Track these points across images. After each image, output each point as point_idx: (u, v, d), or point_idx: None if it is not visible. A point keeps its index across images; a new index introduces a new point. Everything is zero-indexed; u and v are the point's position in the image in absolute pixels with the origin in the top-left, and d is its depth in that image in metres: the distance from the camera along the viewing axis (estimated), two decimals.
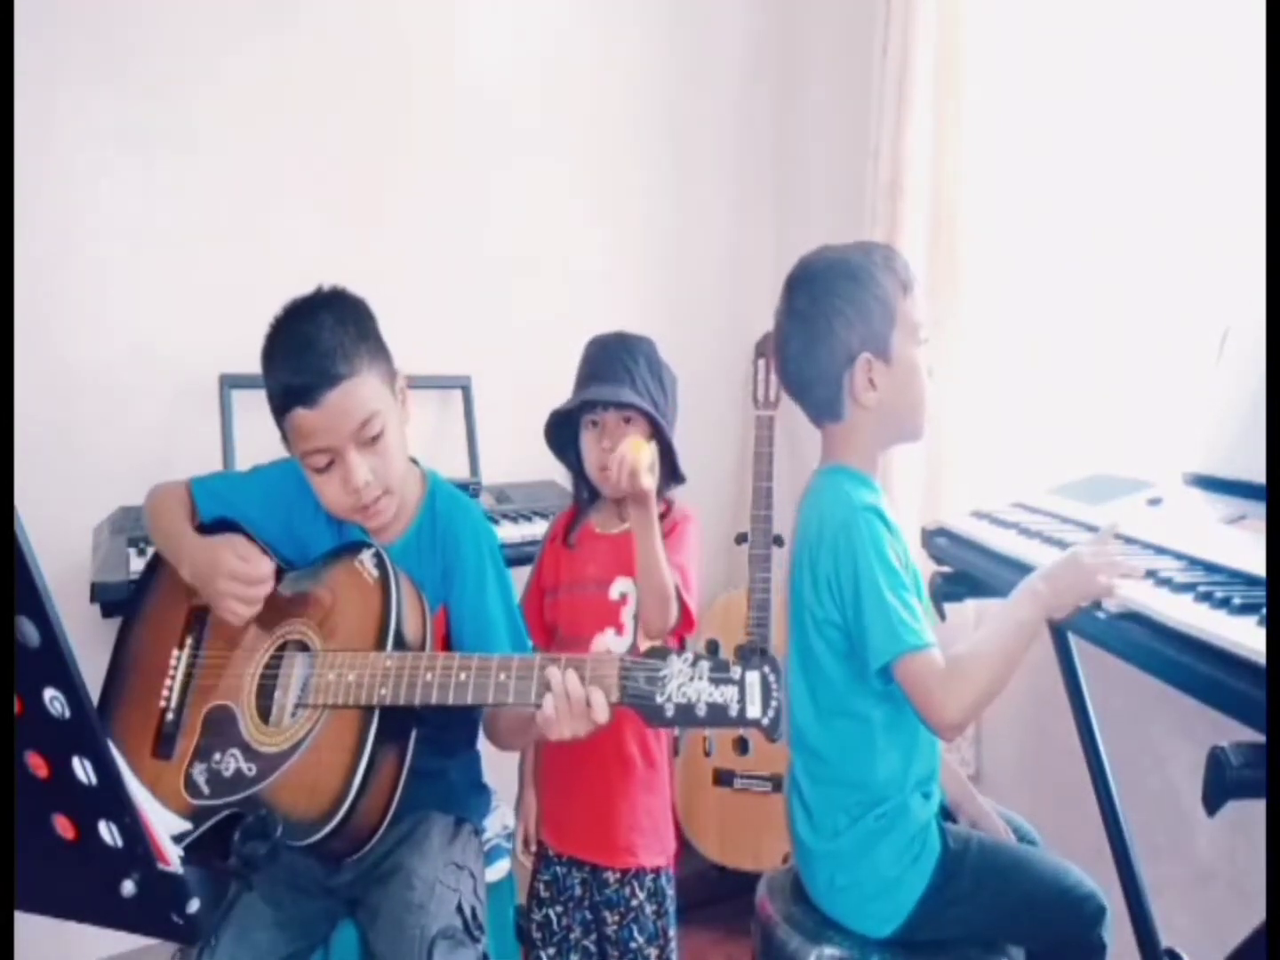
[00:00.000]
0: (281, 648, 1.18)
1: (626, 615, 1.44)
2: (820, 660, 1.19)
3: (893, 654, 1.07)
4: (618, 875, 1.46)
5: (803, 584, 1.20)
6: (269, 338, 1.19)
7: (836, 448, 1.25)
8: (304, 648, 1.16)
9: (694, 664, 0.98)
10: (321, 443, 1.15)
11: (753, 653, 0.99)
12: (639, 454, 1.26)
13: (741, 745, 2.13)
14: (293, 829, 1.04)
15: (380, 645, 1.11)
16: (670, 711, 0.97)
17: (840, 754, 1.20)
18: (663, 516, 1.42)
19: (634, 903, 1.46)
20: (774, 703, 0.96)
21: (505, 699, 1.04)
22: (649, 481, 1.26)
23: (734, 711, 0.96)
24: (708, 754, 2.14)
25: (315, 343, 1.14)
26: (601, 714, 1.01)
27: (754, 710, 0.96)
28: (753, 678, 0.97)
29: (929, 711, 1.07)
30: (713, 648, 1.01)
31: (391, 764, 1.11)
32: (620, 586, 1.44)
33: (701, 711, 0.96)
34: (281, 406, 1.16)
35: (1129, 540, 1.22)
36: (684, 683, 0.97)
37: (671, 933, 1.49)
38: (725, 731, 2.07)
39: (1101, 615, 1.05)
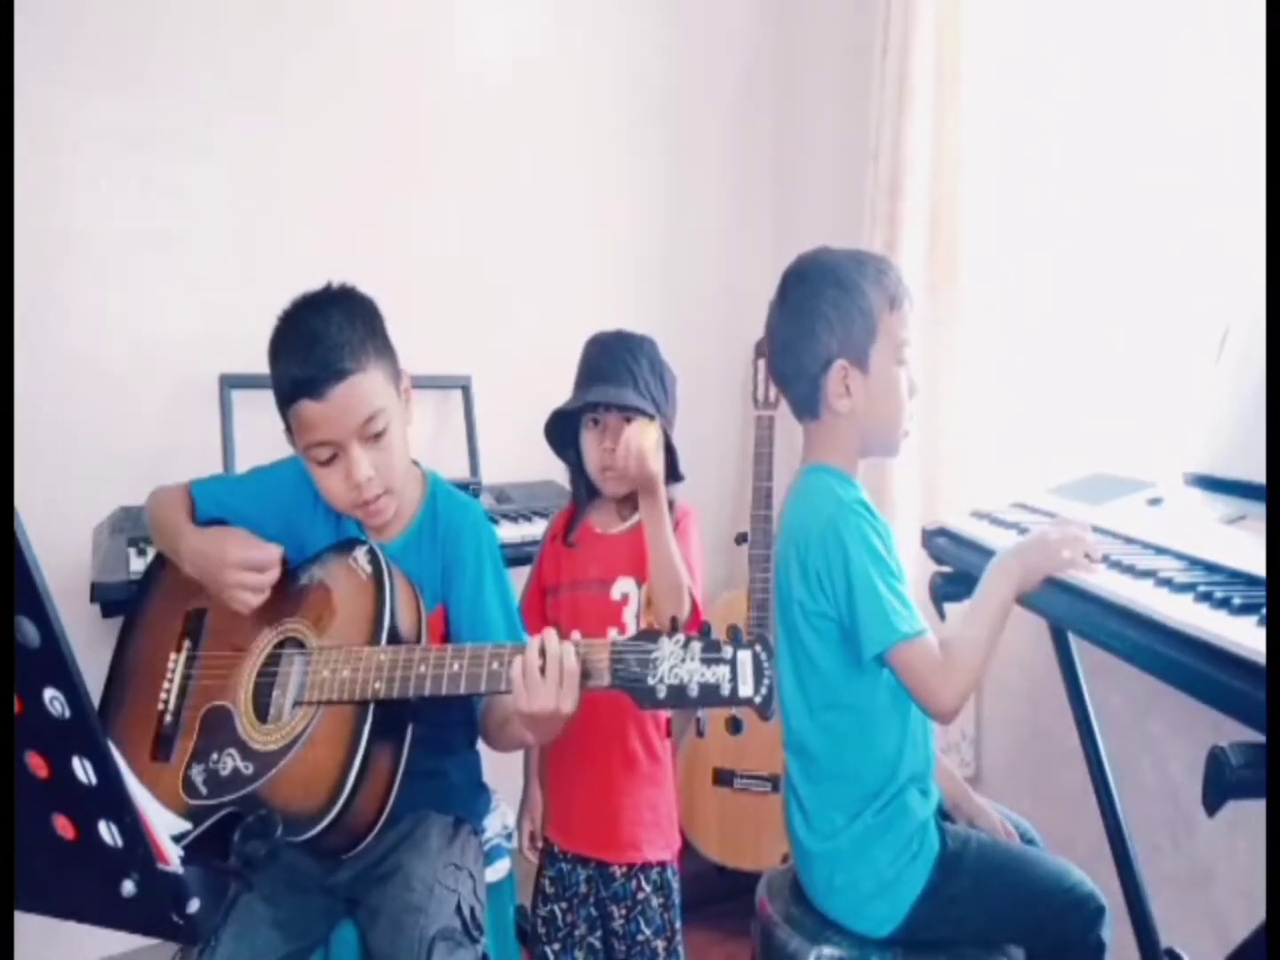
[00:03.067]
0: (279, 646, 1.18)
1: (629, 615, 1.44)
2: (811, 652, 1.19)
3: (887, 643, 1.10)
4: (623, 870, 1.46)
5: (790, 581, 1.21)
6: (277, 330, 1.19)
7: (816, 446, 1.27)
8: (300, 645, 1.16)
9: (685, 645, 0.98)
10: (325, 436, 1.16)
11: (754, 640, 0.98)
12: (645, 438, 1.29)
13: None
14: (290, 825, 1.04)
15: (374, 641, 1.11)
16: (663, 693, 0.97)
17: (832, 748, 1.21)
18: None
19: (640, 896, 1.46)
20: (766, 680, 0.96)
21: (498, 686, 1.04)
22: (656, 465, 1.27)
23: (726, 690, 0.96)
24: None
25: (323, 337, 1.15)
26: (570, 660, 0.99)
27: (746, 689, 0.96)
28: (744, 656, 0.97)
29: (926, 698, 1.10)
30: (705, 629, 1.00)
31: (387, 759, 1.11)
32: (622, 587, 1.44)
33: (694, 692, 0.96)
34: (287, 398, 1.16)
35: (1129, 540, 1.22)
36: (676, 664, 0.97)
37: (678, 925, 1.49)
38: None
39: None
